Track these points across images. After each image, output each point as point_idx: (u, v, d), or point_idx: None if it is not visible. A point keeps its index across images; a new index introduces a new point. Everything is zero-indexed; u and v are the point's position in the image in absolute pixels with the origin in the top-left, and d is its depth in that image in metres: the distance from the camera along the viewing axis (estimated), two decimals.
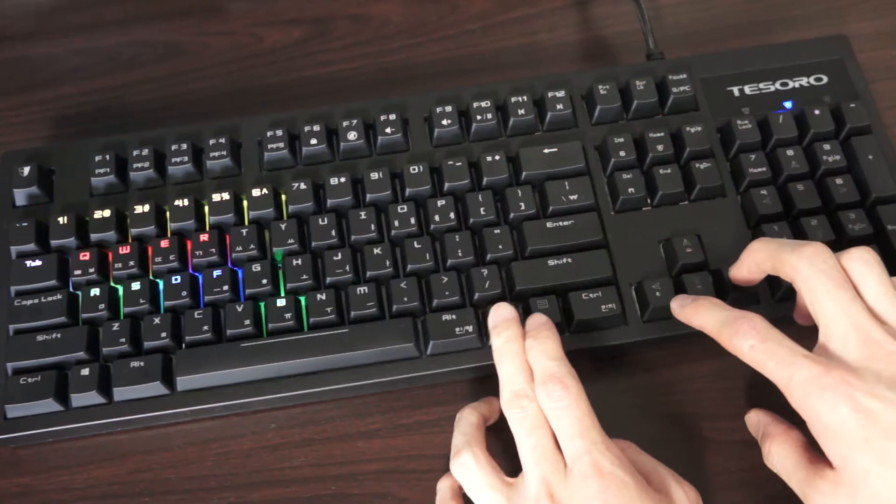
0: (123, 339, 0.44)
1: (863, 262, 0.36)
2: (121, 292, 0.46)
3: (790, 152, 0.47)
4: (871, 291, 0.35)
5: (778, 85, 0.51)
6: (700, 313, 0.39)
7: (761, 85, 0.51)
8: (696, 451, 0.44)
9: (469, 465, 0.39)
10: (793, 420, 0.37)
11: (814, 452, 0.36)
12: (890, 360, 0.33)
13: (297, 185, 0.47)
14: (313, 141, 0.49)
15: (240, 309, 0.45)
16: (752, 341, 0.35)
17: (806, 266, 0.36)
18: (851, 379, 0.33)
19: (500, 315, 0.42)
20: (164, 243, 0.46)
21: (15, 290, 0.46)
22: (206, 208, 0.48)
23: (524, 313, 0.44)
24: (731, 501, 0.43)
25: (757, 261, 0.39)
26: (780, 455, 0.37)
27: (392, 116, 0.49)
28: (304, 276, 0.45)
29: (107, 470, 0.45)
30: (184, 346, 0.45)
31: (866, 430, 0.32)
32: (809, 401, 0.33)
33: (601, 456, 0.35)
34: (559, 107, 0.49)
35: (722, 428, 0.44)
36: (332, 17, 0.60)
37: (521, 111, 0.49)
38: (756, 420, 0.40)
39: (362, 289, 0.45)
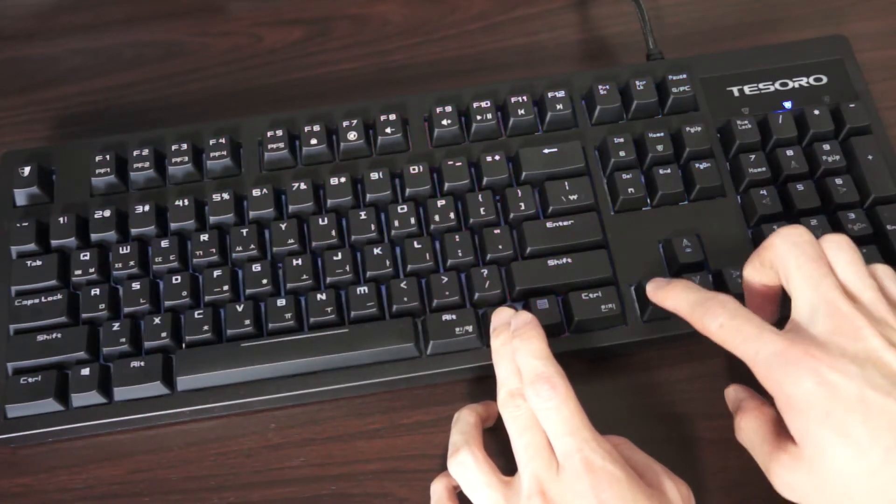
0: (123, 339, 0.44)
1: (835, 244, 0.36)
2: (121, 292, 0.46)
3: (790, 152, 0.47)
4: (842, 270, 0.35)
5: (778, 85, 0.51)
6: (673, 295, 0.39)
7: (761, 85, 0.51)
8: (695, 450, 0.44)
9: (467, 464, 0.39)
10: (769, 399, 0.37)
11: (781, 428, 0.36)
12: (857, 336, 0.33)
13: (297, 185, 0.47)
14: (313, 141, 0.49)
15: (240, 309, 0.45)
16: (721, 320, 0.36)
17: (781, 241, 0.36)
18: (816, 352, 0.33)
19: (501, 318, 0.42)
20: (164, 243, 0.46)
21: (15, 290, 0.46)
22: (206, 208, 0.48)
23: None
24: (730, 501, 0.43)
25: (753, 266, 0.39)
26: (749, 429, 0.37)
27: (392, 116, 0.49)
28: (304, 276, 0.45)
29: (107, 470, 0.45)
30: (184, 346, 0.45)
31: (828, 403, 0.32)
32: (774, 374, 0.33)
33: (592, 452, 0.35)
34: (559, 107, 0.49)
35: (720, 427, 0.44)
36: (332, 17, 0.60)
37: (521, 111, 0.49)
38: (734, 394, 0.40)
39: (362, 289, 0.45)
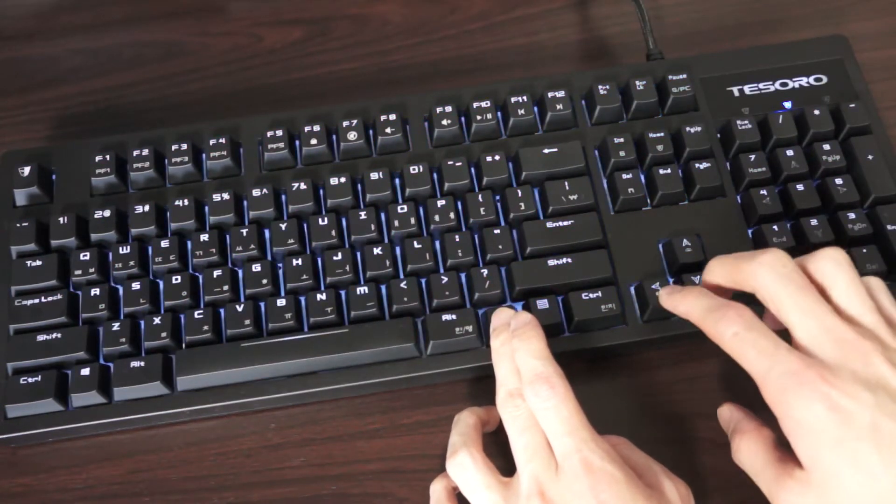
0: (123, 339, 0.44)
1: (833, 262, 0.35)
2: (121, 292, 0.46)
3: (790, 152, 0.47)
4: (841, 293, 0.35)
5: (778, 85, 0.51)
6: (686, 300, 0.39)
7: (761, 85, 0.51)
8: (695, 451, 0.44)
9: (466, 465, 0.39)
10: (768, 420, 0.37)
11: (784, 451, 0.35)
12: (866, 360, 0.33)
13: (297, 185, 0.47)
14: (313, 141, 0.49)
15: (240, 309, 0.45)
16: (736, 328, 0.35)
17: (766, 272, 0.35)
18: (829, 376, 0.32)
19: (501, 319, 0.42)
20: (164, 243, 0.46)
21: (15, 290, 0.46)
22: (206, 208, 0.48)
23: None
24: (728, 501, 0.43)
25: (717, 279, 0.38)
26: (749, 451, 0.37)
27: (392, 116, 0.49)
28: (304, 276, 0.45)
29: (107, 470, 0.45)
30: (184, 346, 0.45)
31: (840, 429, 0.32)
32: (785, 395, 0.33)
33: (591, 453, 0.35)
34: (559, 107, 0.49)
35: (720, 428, 0.44)
36: (332, 17, 0.60)
37: (521, 111, 0.49)
38: (728, 415, 0.39)
39: (362, 289, 0.45)
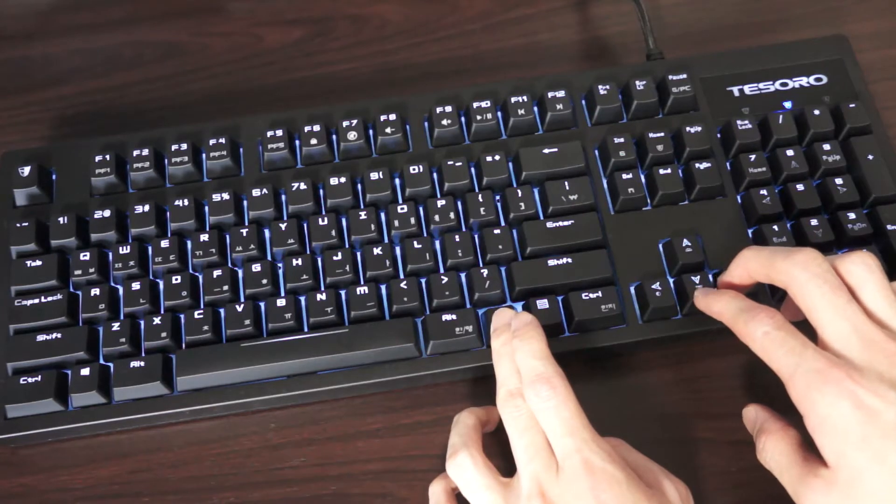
0: (123, 339, 0.44)
1: (864, 266, 0.36)
2: (121, 292, 0.46)
3: (790, 152, 0.47)
4: (870, 296, 0.35)
5: (778, 85, 0.51)
6: (720, 301, 0.39)
7: (761, 85, 0.51)
8: (695, 451, 0.44)
9: (465, 466, 0.39)
10: (790, 420, 0.37)
11: (808, 451, 0.35)
12: (891, 361, 0.33)
13: (296, 185, 0.47)
14: (313, 141, 0.49)
15: (240, 309, 0.45)
16: (766, 328, 0.36)
17: (800, 271, 0.36)
18: (856, 375, 0.33)
19: (501, 319, 0.42)
20: (164, 243, 0.46)
21: (15, 290, 0.46)
22: (206, 208, 0.48)
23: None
24: (729, 502, 0.43)
25: (749, 269, 0.39)
26: (775, 451, 0.37)
27: (392, 116, 0.49)
28: (304, 276, 0.45)
29: (107, 470, 0.45)
30: (184, 346, 0.45)
31: (865, 427, 0.32)
32: (811, 392, 0.33)
33: (591, 453, 0.35)
34: (559, 107, 0.49)
35: (721, 428, 0.44)
36: (332, 17, 0.60)
37: (521, 111, 0.49)
38: (753, 415, 0.40)
39: (362, 289, 0.45)
